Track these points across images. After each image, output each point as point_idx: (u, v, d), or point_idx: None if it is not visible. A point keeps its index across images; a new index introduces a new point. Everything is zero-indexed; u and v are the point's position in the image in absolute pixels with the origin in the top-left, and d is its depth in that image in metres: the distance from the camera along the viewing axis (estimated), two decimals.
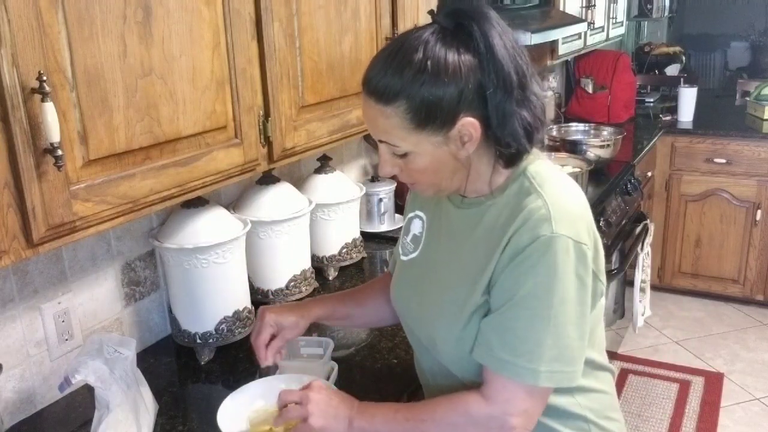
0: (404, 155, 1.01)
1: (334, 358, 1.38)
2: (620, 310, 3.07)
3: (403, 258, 1.22)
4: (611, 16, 3.66)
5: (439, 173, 1.03)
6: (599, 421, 1.13)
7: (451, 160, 1.01)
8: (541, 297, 0.97)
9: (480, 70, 0.95)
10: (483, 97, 0.96)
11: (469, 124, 0.97)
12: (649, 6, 4.58)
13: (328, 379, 1.31)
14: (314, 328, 1.54)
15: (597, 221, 2.50)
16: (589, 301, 1.01)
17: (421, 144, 0.98)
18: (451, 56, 0.94)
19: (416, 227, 1.21)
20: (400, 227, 1.28)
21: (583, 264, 0.99)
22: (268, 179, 1.72)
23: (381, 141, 1.02)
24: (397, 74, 0.95)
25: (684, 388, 3.15)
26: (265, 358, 1.22)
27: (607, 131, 3.27)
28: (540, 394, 1.01)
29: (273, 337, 1.24)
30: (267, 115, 1.34)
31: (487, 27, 0.96)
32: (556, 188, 1.03)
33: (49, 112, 0.89)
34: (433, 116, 0.95)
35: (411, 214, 1.24)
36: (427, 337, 1.13)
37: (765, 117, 3.78)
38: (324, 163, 1.94)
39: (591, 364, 1.12)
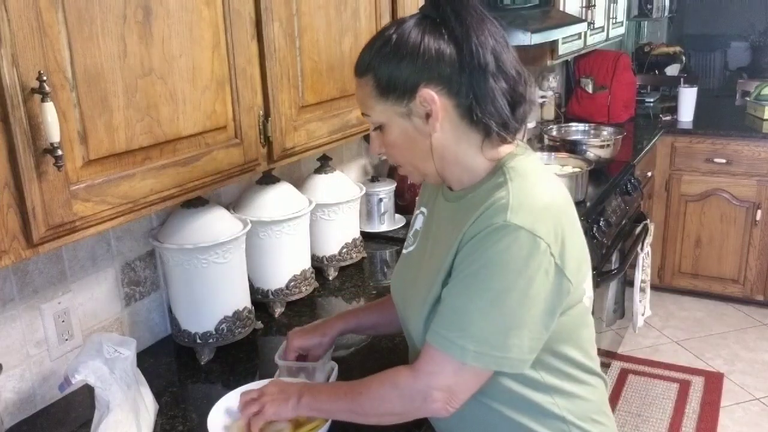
0: (380, 128, 1.08)
1: (334, 358, 1.38)
2: (620, 310, 3.07)
3: (404, 251, 1.26)
4: (611, 16, 3.66)
5: (412, 151, 1.08)
6: (581, 423, 1.12)
7: (420, 138, 1.05)
8: (484, 280, 0.98)
9: (456, 49, 1.00)
10: (456, 74, 1.00)
11: (426, 95, 1.01)
12: (649, 6, 4.58)
13: (328, 379, 1.31)
14: None
15: (597, 221, 2.52)
16: (541, 295, 0.98)
17: (387, 113, 1.05)
18: (416, 33, 1.02)
19: (418, 222, 1.24)
20: (400, 227, 1.28)
21: (537, 257, 0.97)
22: (268, 179, 1.72)
23: (363, 115, 1.09)
24: (369, 49, 1.06)
25: (684, 388, 3.15)
26: None
27: (607, 131, 3.27)
28: (469, 374, 1.01)
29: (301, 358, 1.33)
30: (267, 115, 1.34)
31: (463, 12, 1.02)
32: (527, 181, 1.04)
33: (49, 112, 0.89)
34: (393, 85, 1.02)
35: (417, 211, 1.27)
36: (408, 329, 1.17)
37: (765, 117, 3.78)
38: (324, 163, 1.94)
39: (574, 365, 1.11)
